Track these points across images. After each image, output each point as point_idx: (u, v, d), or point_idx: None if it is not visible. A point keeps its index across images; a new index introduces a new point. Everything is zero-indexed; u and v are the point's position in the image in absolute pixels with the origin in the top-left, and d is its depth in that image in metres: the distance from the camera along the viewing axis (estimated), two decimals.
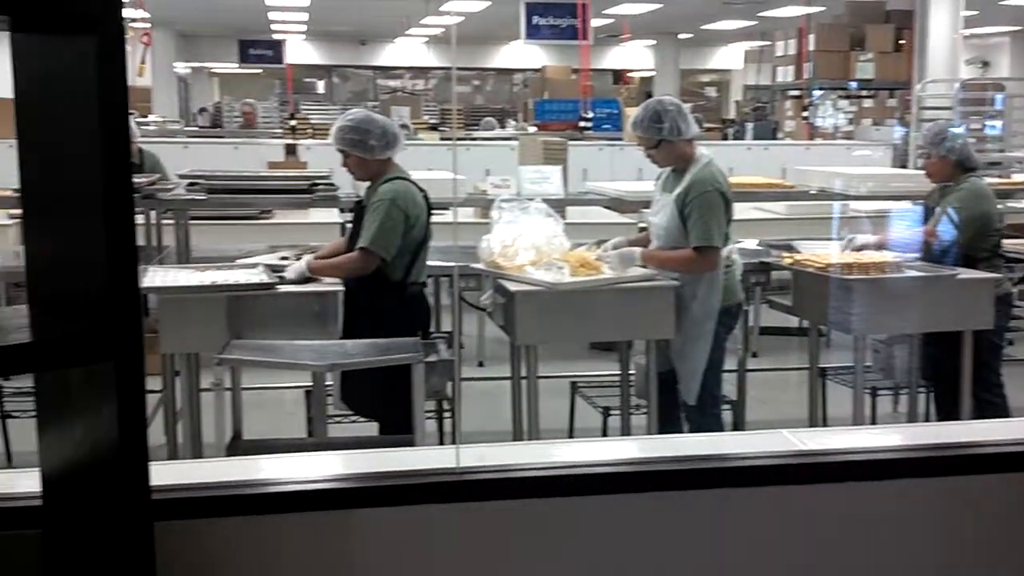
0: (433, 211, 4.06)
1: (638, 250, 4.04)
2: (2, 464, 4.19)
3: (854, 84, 12.83)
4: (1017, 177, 7.19)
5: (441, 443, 4.35)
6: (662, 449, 2.26)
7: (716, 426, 4.13)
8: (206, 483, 1.88)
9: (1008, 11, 16.69)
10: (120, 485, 1.44)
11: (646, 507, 1.99)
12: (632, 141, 5.97)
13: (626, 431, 4.24)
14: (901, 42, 12.76)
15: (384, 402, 3.82)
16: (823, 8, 14.08)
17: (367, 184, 4.07)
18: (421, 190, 4.03)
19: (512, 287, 3.76)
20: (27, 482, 1.81)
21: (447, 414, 4.36)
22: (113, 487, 1.46)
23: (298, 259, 3.97)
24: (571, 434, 4.70)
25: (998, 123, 10.49)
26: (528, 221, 4.03)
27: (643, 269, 3.95)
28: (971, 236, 4.34)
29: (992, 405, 4.46)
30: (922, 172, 4.79)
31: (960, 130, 4.67)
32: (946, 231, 4.39)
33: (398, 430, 3.61)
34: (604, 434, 4.41)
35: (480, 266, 4.00)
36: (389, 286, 3.90)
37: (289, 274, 3.85)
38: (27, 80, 1.45)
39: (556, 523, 1.97)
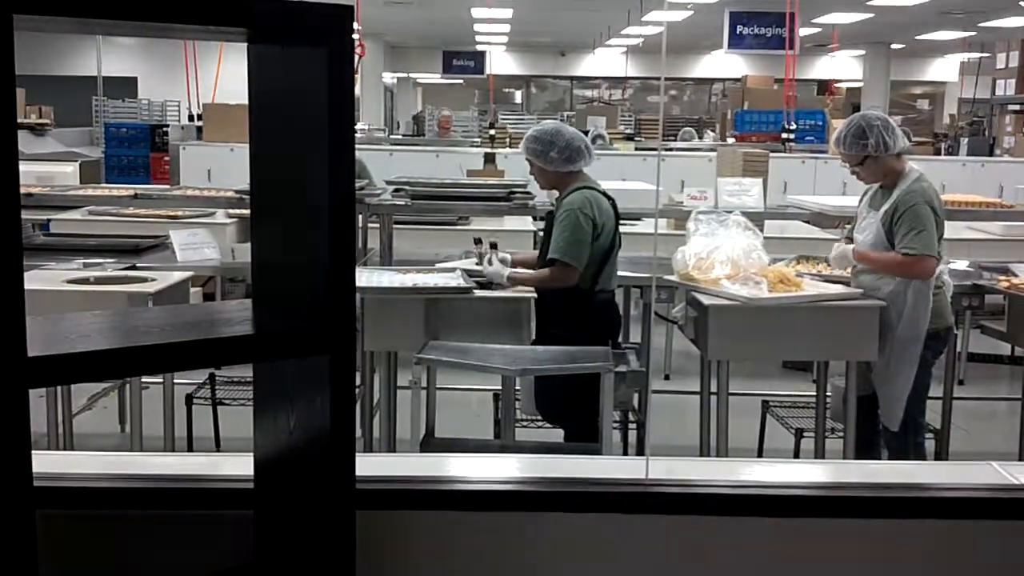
0: (623, 221, 4.07)
1: (851, 247, 3.91)
2: (211, 448, 4.47)
3: None
4: None
5: (625, 454, 4.35)
6: (858, 475, 2.19)
7: (918, 455, 3.93)
8: (404, 476, 1.95)
9: None
10: (329, 473, 1.52)
11: (838, 532, 1.93)
12: (837, 155, 5.78)
13: (820, 454, 4.10)
14: None
15: (570, 409, 3.85)
16: None
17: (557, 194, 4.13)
18: (609, 198, 4.03)
19: (706, 300, 3.70)
20: (234, 465, 1.94)
21: (632, 425, 4.35)
22: (322, 475, 1.54)
23: (493, 247, 4.04)
24: (760, 454, 4.60)
25: None
26: (725, 234, 3.96)
27: (844, 287, 3.81)
28: None
29: None
30: None
31: None
32: None
33: (582, 437, 3.63)
34: (796, 456, 4.28)
35: (673, 278, 3.97)
36: (579, 294, 3.92)
37: (488, 269, 3.93)
38: (262, 89, 1.56)
39: (743, 542, 1.93)
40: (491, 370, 3.38)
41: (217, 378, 4.65)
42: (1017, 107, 12.94)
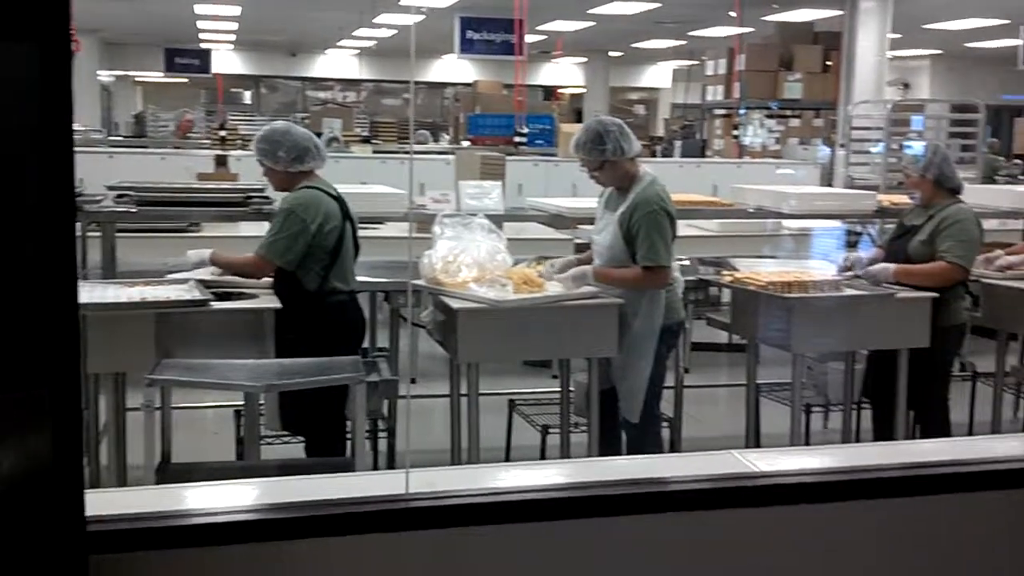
0: (364, 225, 4.01)
1: (589, 268, 4.01)
2: None
3: (775, 104, 13.02)
4: None
5: (375, 464, 4.26)
6: (609, 473, 2.21)
7: (656, 444, 4.10)
8: (140, 513, 1.77)
9: (929, 35, 17.17)
10: (54, 518, 1.34)
11: (595, 531, 1.94)
12: (567, 158, 5.95)
13: (565, 449, 4.19)
14: (828, 63, 13.02)
15: (317, 420, 3.73)
16: (752, 29, 14.32)
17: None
18: (338, 199, 3.98)
19: (454, 304, 3.69)
20: None
21: (382, 433, 4.27)
22: (46, 520, 1.36)
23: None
24: (508, 453, 4.64)
25: (918, 144, 10.71)
26: (470, 237, 3.97)
27: (588, 287, 3.92)
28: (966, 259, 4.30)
29: (936, 428, 4.49)
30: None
31: (930, 148, 4.64)
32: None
33: (327, 449, 3.52)
34: (543, 453, 4.36)
35: (421, 282, 3.93)
36: (306, 296, 3.85)
37: (192, 257, 3.98)
38: None
39: (508, 550, 1.91)
40: (234, 387, 3.18)
41: None
42: (725, 112, 13.94)
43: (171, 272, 4.07)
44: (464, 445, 3.97)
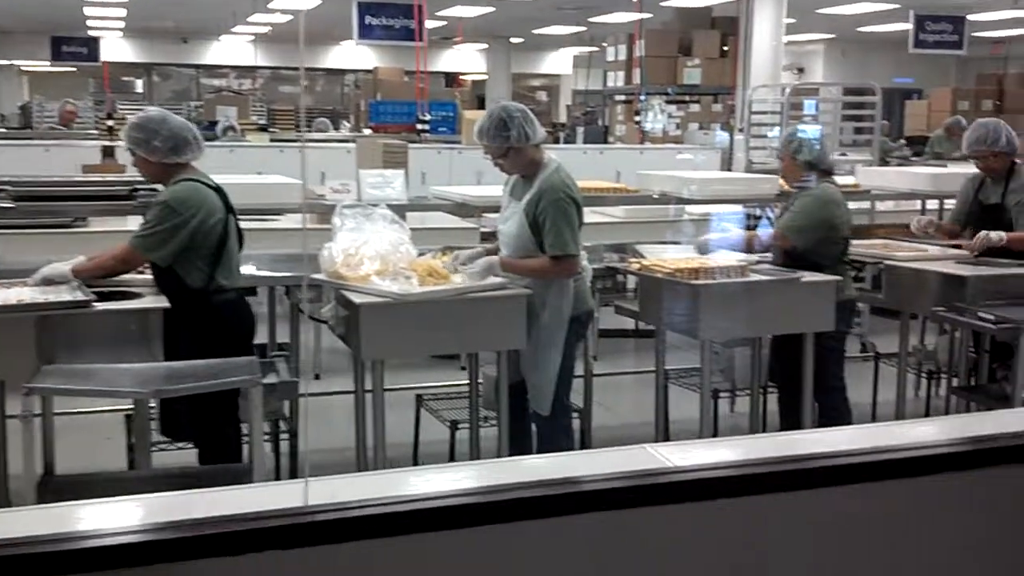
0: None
1: (496, 259, 3.92)
2: None
3: (675, 90, 13.13)
4: (841, 180, 7.42)
5: (277, 467, 4.10)
6: (521, 474, 2.12)
7: (566, 436, 4.04)
8: (20, 538, 1.61)
9: (823, 19, 17.54)
10: None
11: (513, 536, 1.86)
12: (471, 145, 5.83)
13: (475, 444, 4.10)
14: (726, 48, 13.16)
15: (207, 425, 3.55)
16: (651, 15, 14.39)
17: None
18: (218, 191, 3.78)
19: (357, 299, 3.55)
20: None
21: (284, 435, 4.12)
22: None
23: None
24: (416, 450, 4.53)
25: (813, 127, 10.89)
26: (372, 228, 3.84)
27: (496, 279, 3.82)
28: (816, 241, 4.41)
29: (835, 409, 4.55)
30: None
31: (811, 133, 4.70)
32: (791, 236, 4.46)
33: (222, 456, 3.36)
34: (452, 449, 4.26)
35: (321, 276, 3.78)
36: (191, 294, 3.66)
37: (45, 272, 3.62)
38: None
39: (419, 562, 1.80)
40: (121, 394, 2.99)
41: None
42: (626, 97, 13.98)
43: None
44: (370, 444, 3.84)
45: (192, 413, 3.53)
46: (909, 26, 13.42)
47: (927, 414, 5.32)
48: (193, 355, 3.22)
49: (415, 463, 4.50)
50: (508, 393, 3.86)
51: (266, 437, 3.75)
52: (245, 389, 2.85)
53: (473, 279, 3.78)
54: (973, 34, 13.93)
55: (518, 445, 3.96)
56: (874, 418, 5.48)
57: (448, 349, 3.99)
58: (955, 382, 4.81)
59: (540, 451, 3.98)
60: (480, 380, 4.18)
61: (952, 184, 6.49)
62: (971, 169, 5.18)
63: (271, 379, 3.06)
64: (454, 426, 4.21)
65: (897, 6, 14.92)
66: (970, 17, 13.41)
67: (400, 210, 4.87)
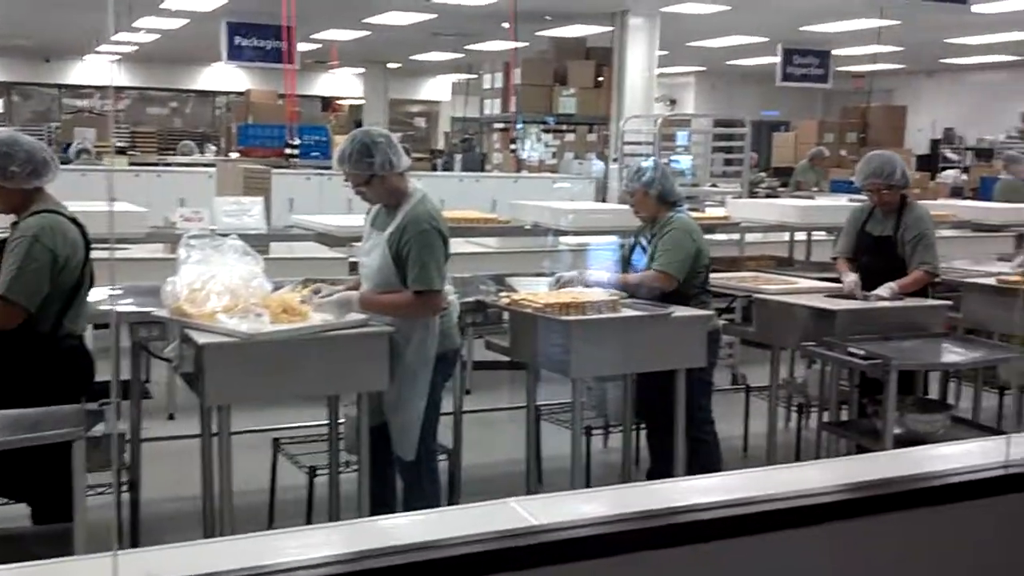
0: (94, 248, 3.47)
1: (355, 294, 3.67)
2: None
3: (551, 119, 13.15)
4: (711, 211, 7.47)
5: (119, 523, 3.76)
6: (378, 539, 1.92)
7: (432, 482, 3.83)
8: None
9: (694, 52, 17.91)
10: None
11: None
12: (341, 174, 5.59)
13: (335, 492, 3.84)
14: (600, 79, 13.25)
15: (35, 481, 3.17)
16: (527, 44, 14.40)
17: (12, 218, 3.42)
18: (78, 225, 3.42)
19: (201, 339, 3.26)
20: None
21: (125, 487, 3.78)
22: None
23: None
24: (272, 500, 4.24)
25: (685, 158, 11.03)
26: (221, 260, 3.55)
27: (356, 315, 3.57)
28: (688, 273, 4.35)
29: (704, 443, 4.47)
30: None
31: (651, 164, 4.65)
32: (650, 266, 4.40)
33: (56, 513, 3.01)
34: (310, 497, 3.99)
35: (163, 313, 3.47)
36: (37, 340, 3.28)
37: None
38: None
39: None
40: None
41: None
42: (502, 125, 13.93)
43: None
44: (216, 491, 3.55)
45: (17, 468, 3.16)
46: (777, 60, 13.80)
47: (798, 448, 5.30)
48: (24, 403, 2.87)
49: (270, 514, 4.22)
50: (370, 437, 3.62)
51: (104, 490, 3.41)
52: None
53: (331, 315, 3.52)
54: (837, 68, 14.41)
55: (381, 493, 3.73)
56: (745, 451, 5.46)
57: (302, 392, 3.72)
58: (826, 415, 4.78)
59: (405, 499, 3.76)
60: (341, 420, 3.93)
61: (820, 217, 6.58)
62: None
63: (99, 430, 2.75)
64: (312, 473, 3.94)
65: (766, 40, 15.31)
66: (834, 52, 13.87)
67: (259, 240, 4.61)
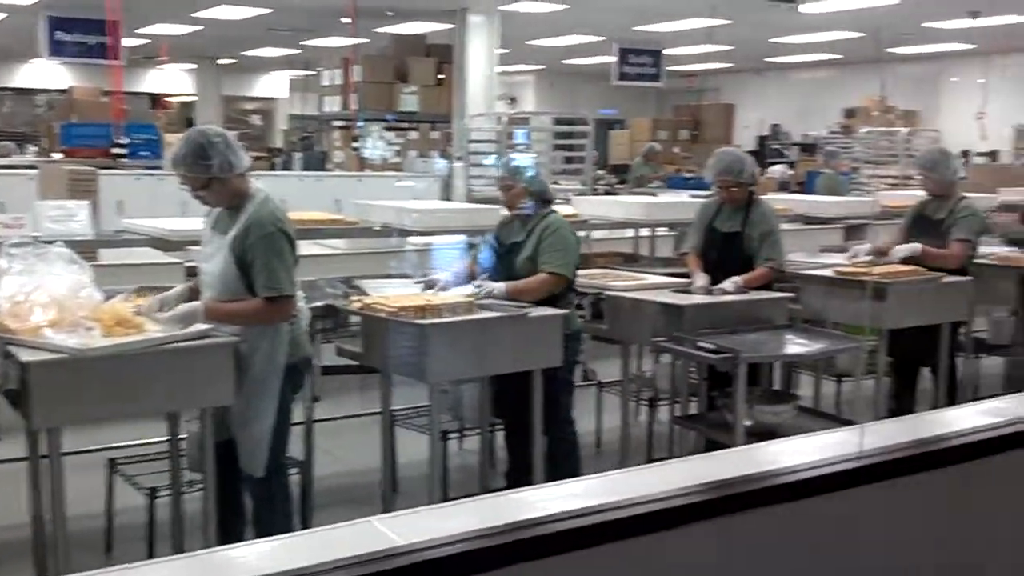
0: None
1: (199, 305, 3.45)
2: None
3: (393, 116, 13.00)
4: (560, 209, 7.47)
5: None
6: (226, 570, 1.78)
7: (284, 499, 3.64)
8: None
9: (533, 51, 18.06)
10: None
11: None
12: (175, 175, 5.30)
13: (178, 514, 3.61)
14: (442, 76, 13.17)
15: None
16: (366, 40, 14.17)
17: None
18: None
19: (25, 356, 2.99)
20: None
21: None
22: None
23: None
24: (110, 525, 3.97)
25: (524, 156, 11.06)
26: (46, 270, 3.28)
27: (198, 325, 3.36)
28: (572, 274, 4.32)
29: (566, 443, 4.45)
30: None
31: (529, 161, 4.62)
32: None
33: None
34: (152, 521, 3.74)
35: None
36: None
37: None
38: None
39: None
40: None
41: None
42: (343, 123, 13.67)
43: None
44: (48, 518, 3.28)
45: None
46: (613, 59, 14.04)
47: (649, 442, 5.35)
48: None
49: (107, 540, 3.95)
50: (216, 453, 3.42)
51: None
52: None
53: (170, 326, 3.30)
54: (670, 67, 14.79)
55: (230, 513, 3.54)
56: (598, 446, 5.48)
57: (142, 410, 3.47)
58: (677, 409, 4.84)
59: (255, 519, 3.57)
60: (183, 436, 3.70)
61: (665, 213, 6.69)
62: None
63: None
64: (153, 494, 3.69)
65: (602, 39, 15.57)
66: (667, 51, 14.22)
67: (88, 247, 4.31)
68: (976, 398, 5.74)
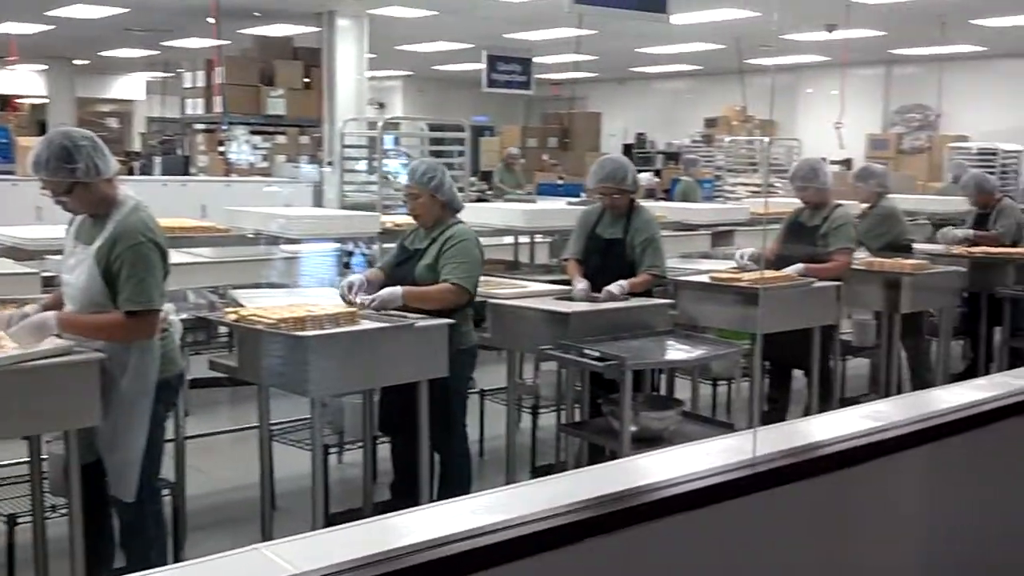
0: None
1: (52, 315, 3.21)
2: None
3: (259, 120, 12.67)
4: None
5: None
6: None
7: (156, 524, 3.43)
8: None
9: (401, 56, 17.91)
10: None
11: None
12: (28, 177, 4.98)
13: (40, 541, 3.36)
14: (309, 80, 12.91)
15: None
16: (229, 42, 13.77)
17: None
18: None
19: None
20: None
21: None
22: None
23: None
24: None
25: (395, 163, 10.95)
26: None
27: (60, 341, 3.13)
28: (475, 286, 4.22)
29: (463, 456, 4.37)
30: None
31: (436, 166, 4.43)
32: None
33: None
34: (10, 548, 3.48)
35: None
36: None
37: None
38: None
39: None
40: None
41: None
42: (207, 127, 13.24)
43: None
44: None
45: None
46: (482, 66, 14.04)
47: (533, 449, 5.32)
48: None
49: None
50: (82, 477, 3.19)
51: None
52: None
53: (23, 342, 3.06)
54: (538, 76, 14.88)
55: (99, 538, 3.31)
56: (482, 455, 5.42)
57: (4, 435, 3.23)
58: (563, 415, 4.82)
59: (125, 546, 3.35)
60: (45, 457, 3.45)
61: (545, 220, 6.68)
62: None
63: None
64: (12, 522, 3.43)
65: (471, 46, 15.54)
66: (535, 59, 14.30)
67: None
68: (843, 399, 5.93)
